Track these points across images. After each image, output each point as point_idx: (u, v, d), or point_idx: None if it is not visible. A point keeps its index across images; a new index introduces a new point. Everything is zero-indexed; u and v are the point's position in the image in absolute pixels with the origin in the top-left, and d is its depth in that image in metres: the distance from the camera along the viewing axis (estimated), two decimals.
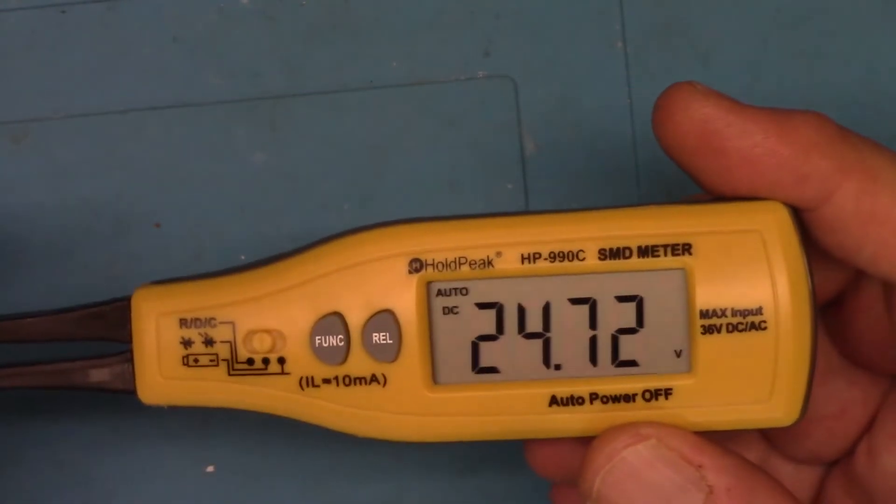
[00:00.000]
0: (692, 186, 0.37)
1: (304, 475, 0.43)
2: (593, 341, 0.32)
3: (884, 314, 0.33)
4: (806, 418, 0.32)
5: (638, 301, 0.32)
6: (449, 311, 0.33)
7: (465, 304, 0.33)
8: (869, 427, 0.35)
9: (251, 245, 0.42)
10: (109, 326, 0.35)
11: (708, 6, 0.41)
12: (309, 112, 0.42)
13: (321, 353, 0.33)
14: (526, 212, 0.33)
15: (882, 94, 0.32)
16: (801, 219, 0.32)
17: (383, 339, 0.33)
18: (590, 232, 0.32)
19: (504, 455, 0.42)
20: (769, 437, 0.37)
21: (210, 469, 0.43)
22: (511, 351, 0.33)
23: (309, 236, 0.36)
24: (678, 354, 0.32)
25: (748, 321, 0.31)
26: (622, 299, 0.32)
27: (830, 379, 0.35)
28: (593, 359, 0.32)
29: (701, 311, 0.31)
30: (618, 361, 0.32)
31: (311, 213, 0.42)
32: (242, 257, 0.42)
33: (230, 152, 0.42)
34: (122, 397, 0.35)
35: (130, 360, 0.34)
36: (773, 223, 0.31)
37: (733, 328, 0.31)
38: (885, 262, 0.31)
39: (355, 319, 0.33)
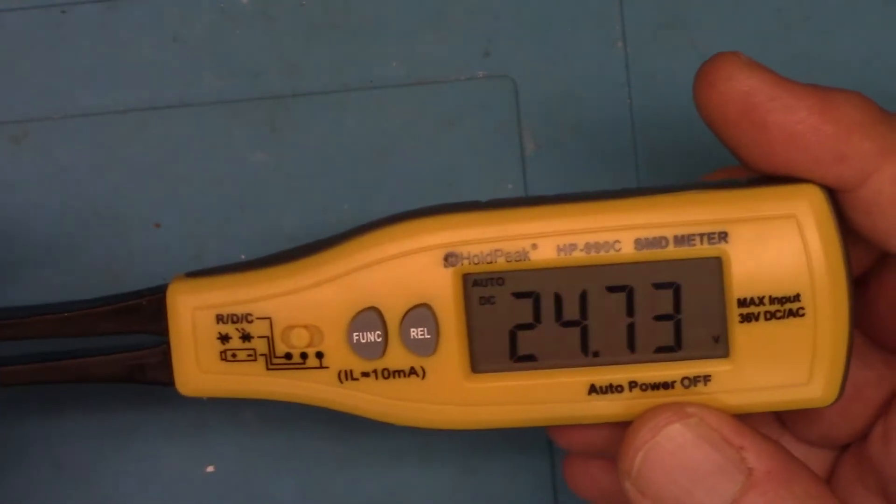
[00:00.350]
0: None
1: (303, 475, 0.43)
2: (631, 328, 0.33)
3: None
4: None
5: (675, 288, 0.32)
6: (486, 300, 0.33)
7: (502, 294, 0.33)
8: (884, 410, 0.35)
9: (251, 245, 0.42)
10: (144, 320, 0.35)
11: (708, 6, 0.42)
12: (309, 112, 0.42)
13: (359, 349, 0.33)
14: (561, 197, 0.33)
15: (882, 94, 0.32)
16: (836, 200, 0.32)
17: (421, 335, 0.33)
18: (625, 221, 0.32)
19: (504, 453, 0.43)
20: (782, 418, 0.37)
21: (210, 469, 0.43)
22: (549, 339, 0.33)
23: (309, 236, 0.36)
24: (716, 340, 0.32)
25: (786, 308, 0.31)
26: (659, 286, 0.32)
27: None
28: (631, 345, 0.33)
29: (738, 300, 0.32)
30: (656, 348, 0.32)
31: (311, 213, 0.42)
32: (242, 256, 0.42)
33: (230, 152, 0.42)
34: (130, 388, 0.35)
35: (167, 353, 0.34)
36: (808, 208, 0.31)
37: (771, 316, 0.31)
38: None
39: (392, 314, 0.33)
